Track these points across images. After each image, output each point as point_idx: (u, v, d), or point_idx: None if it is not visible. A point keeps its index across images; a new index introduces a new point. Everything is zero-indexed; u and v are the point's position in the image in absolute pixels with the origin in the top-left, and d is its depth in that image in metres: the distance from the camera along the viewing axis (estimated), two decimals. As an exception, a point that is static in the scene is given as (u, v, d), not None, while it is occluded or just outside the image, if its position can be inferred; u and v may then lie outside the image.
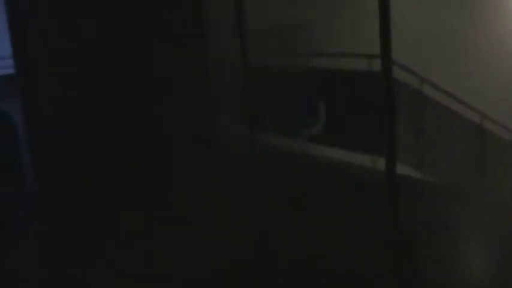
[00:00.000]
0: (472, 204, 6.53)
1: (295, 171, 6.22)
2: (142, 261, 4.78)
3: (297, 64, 7.05)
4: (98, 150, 5.48)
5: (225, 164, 6.03)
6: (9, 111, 5.77)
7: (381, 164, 6.51)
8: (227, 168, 5.99)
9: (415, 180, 6.68)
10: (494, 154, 7.85)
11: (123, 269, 4.66)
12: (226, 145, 6.25)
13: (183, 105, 6.00)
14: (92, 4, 5.50)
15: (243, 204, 5.57)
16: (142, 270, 4.67)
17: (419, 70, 6.82)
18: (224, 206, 5.45)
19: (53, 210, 5.26)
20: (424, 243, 4.60)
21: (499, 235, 5.44)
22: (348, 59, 6.82)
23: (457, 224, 5.53)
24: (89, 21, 5.50)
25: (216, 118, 6.25)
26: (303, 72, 6.92)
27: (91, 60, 5.58)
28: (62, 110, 5.44)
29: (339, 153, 7.17)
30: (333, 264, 4.63)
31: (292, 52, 7.31)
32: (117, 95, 5.58)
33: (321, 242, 4.96)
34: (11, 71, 6.57)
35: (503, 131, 8.06)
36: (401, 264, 3.67)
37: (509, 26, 9.53)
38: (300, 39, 7.44)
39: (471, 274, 4.85)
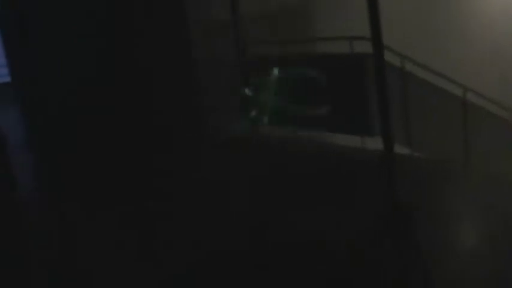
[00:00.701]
0: (460, 176, 6.65)
1: (290, 154, 6.31)
2: (135, 252, 4.83)
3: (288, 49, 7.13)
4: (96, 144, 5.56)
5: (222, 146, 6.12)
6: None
7: (370, 143, 6.64)
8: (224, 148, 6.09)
9: (404, 156, 6.79)
10: (478, 126, 7.97)
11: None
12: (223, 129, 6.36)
13: (177, 98, 6.07)
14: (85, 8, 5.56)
15: (240, 187, 5.66)
16: (135, 260, 4.74)
17: (401, 48, 6.89)
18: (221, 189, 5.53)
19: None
20: (419, 215, 4.71)
21: (487, 205, 5.55)
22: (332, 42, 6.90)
23: (448, 196, 5.64)
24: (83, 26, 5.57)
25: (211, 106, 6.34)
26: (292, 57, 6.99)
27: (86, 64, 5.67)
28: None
29: (329, 136, 7.28)
30: (333, 243, 4.72)
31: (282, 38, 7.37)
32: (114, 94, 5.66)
33: (319, 221, 5.05)
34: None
35: (487, 102, 8.19)
36: (399, 235, 3.76)
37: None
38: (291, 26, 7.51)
39: (464, 244, 4.95)
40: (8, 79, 6.54)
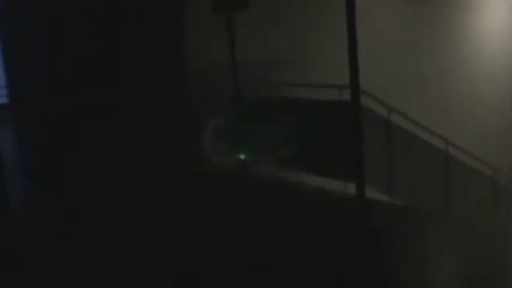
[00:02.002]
0: (440, 222, 6.70)
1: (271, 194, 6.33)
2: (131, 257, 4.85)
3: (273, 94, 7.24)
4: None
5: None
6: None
7: (352, 188, 6.71)
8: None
9: (386, 204, 6.85)
10: (458, 178, 8.07)
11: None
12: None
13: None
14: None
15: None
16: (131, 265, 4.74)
17: (387, 99, 7.02)
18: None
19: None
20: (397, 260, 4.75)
21: (466, 248, 5.62)
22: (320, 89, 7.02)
23: (426, 241, 5.71)
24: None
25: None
26: (278, 101, 7.10)
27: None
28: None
29: (313, 179, 7.33)
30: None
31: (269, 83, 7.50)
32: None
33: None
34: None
35: (467, 157, 8.31)
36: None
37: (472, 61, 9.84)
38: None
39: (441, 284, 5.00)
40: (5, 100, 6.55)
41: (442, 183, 7.89)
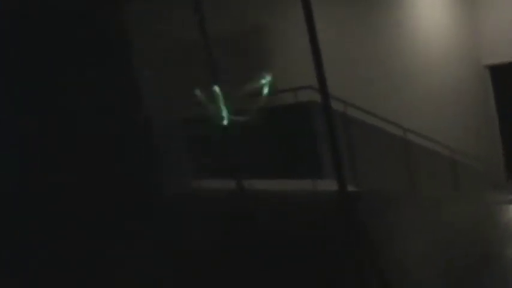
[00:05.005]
0: (405, 205, 6.76)
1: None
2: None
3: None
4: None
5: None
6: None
7: (320, 186, 6.68)
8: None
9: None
10: (418, 161, 8.16)
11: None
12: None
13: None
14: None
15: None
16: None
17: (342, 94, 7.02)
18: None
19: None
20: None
21: (430, 226, 5.72)
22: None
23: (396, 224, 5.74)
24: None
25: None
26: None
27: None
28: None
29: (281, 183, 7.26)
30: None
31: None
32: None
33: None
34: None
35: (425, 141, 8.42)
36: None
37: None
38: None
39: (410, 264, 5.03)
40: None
41: (404, 168, 7.96)
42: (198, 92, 5.44)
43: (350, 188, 6.89)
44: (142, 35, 6.30)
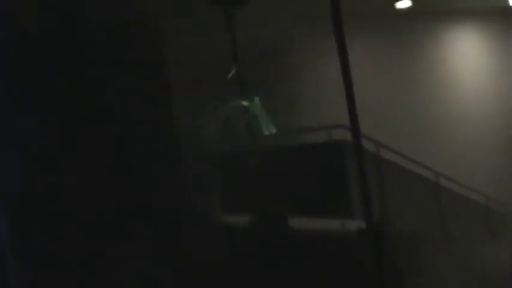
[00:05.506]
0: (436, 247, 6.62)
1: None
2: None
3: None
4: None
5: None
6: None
7: (350, 226, 6.58)
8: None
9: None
10: (450, 205, 8.02)
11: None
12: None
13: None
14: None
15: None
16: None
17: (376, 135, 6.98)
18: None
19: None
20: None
21: (462, 268, 5.61)
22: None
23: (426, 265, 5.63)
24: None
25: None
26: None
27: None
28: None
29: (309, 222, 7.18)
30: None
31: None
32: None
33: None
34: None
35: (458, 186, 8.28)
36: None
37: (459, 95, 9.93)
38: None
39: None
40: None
41: (436, 211, 7.83)
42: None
43: (379, 228, 6.82)
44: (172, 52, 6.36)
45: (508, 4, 10.04)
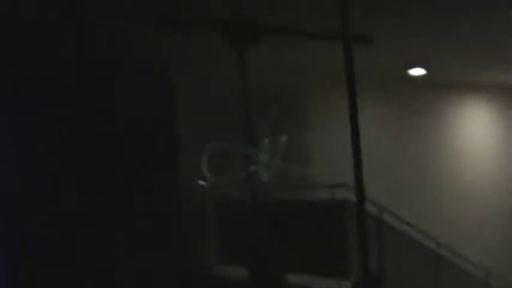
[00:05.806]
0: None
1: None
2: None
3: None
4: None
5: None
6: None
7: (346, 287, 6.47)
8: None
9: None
10: (449, 278, 7.89)
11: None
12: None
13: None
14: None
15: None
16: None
17: (379, 199, 6.92)
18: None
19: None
20: None
21: None
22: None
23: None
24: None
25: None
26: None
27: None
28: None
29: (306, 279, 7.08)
30: None
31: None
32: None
33: None
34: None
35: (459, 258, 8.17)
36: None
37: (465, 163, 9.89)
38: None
39: None
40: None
41: (434, 281, 7.70)
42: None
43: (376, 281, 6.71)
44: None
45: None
